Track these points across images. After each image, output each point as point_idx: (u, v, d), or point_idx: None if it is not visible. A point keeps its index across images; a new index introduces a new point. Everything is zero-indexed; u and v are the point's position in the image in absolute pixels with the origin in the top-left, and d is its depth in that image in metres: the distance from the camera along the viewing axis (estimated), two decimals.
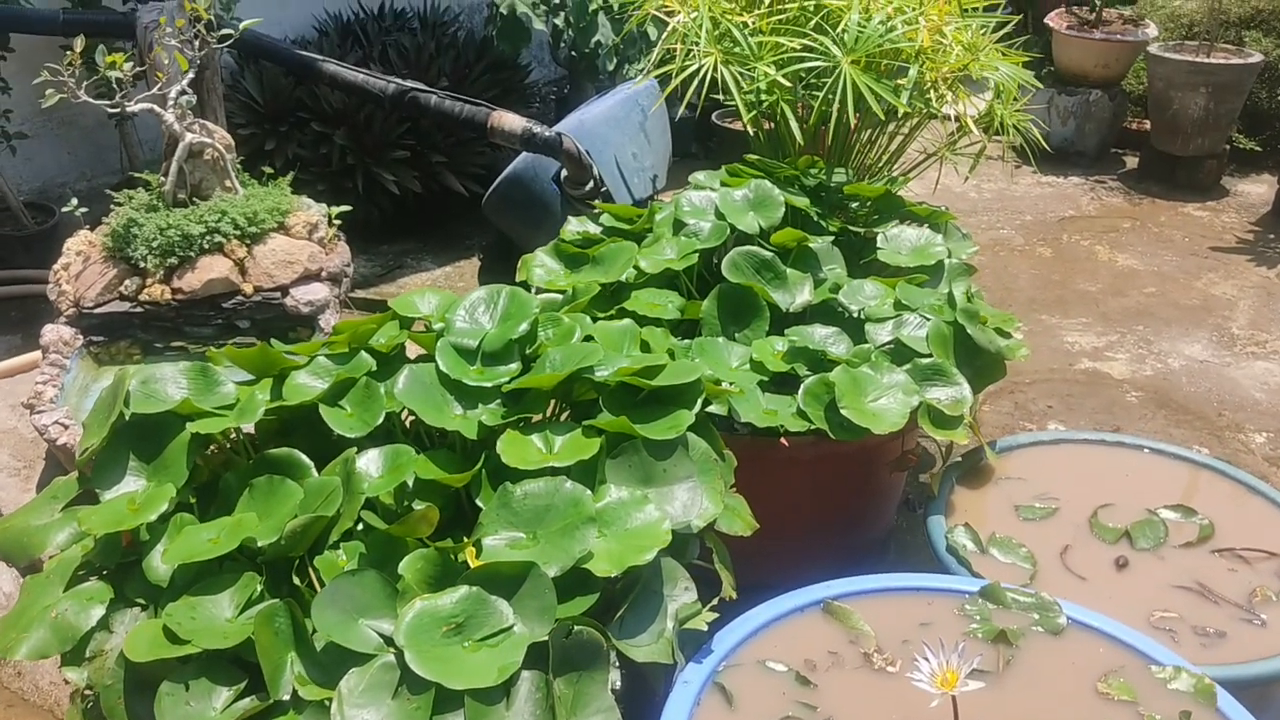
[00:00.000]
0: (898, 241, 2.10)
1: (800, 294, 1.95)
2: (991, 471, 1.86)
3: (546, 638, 1.22)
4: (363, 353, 1.64)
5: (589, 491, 1.37)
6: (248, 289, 2.29)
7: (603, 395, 1.55)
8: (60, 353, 2.15)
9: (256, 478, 1.45)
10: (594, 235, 2.17)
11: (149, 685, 1.22)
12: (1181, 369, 2.70)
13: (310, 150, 3.27)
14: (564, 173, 2.90)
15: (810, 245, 2.04)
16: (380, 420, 1.51)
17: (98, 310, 2.24)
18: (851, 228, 2.18)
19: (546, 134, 2.82)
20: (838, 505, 1.90)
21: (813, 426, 1.70)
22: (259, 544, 1.35)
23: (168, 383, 1.55)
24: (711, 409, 1.66)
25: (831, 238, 2.09)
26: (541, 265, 2.09)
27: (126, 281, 2.26)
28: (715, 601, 1.38)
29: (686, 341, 1.84)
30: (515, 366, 1.59)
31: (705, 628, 1.35)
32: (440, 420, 1.51)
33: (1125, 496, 1.78)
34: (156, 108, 2.30)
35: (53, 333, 2.19)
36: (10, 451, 2.18)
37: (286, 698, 1.19)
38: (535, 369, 1.57)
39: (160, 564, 1.34)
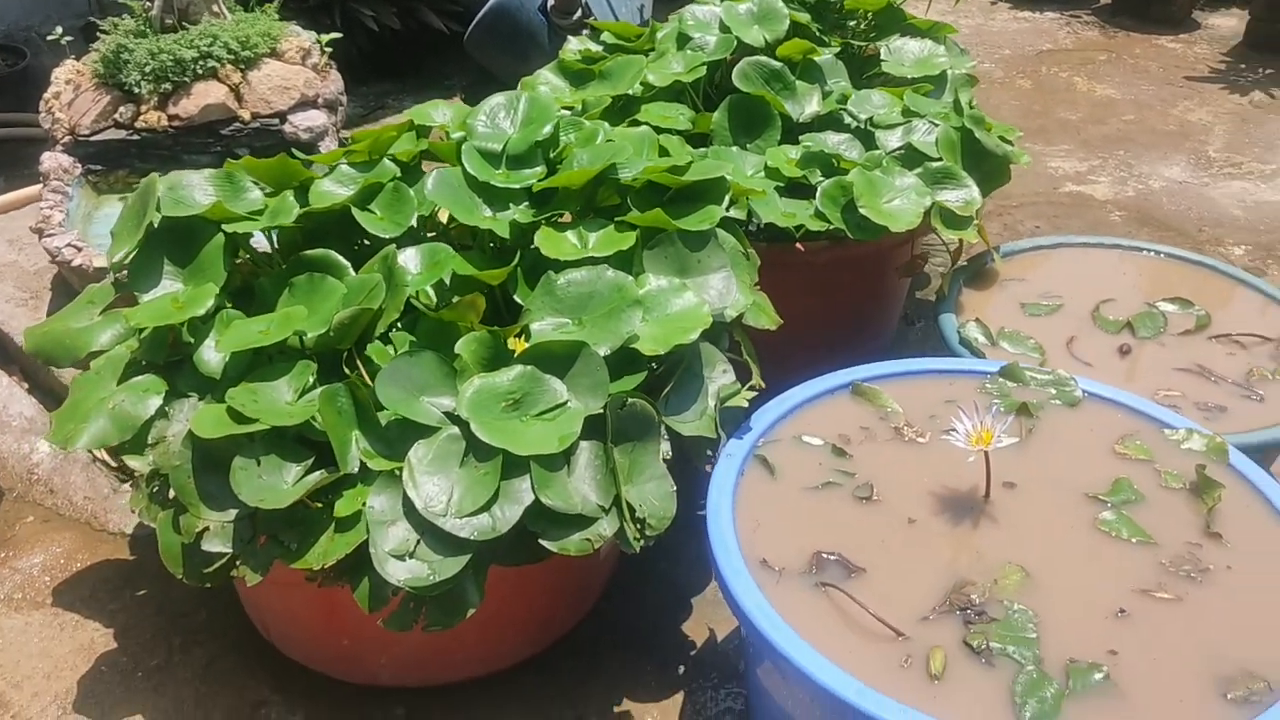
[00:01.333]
0: (901, 53, 2.11)
1: (809, 104, 1.97)
2: (996, 274, 1.92)
3: (602, 410, 1.27)
4: (386, 160, 1.64)
5: (631, 278, 1.40)
6: (245, 115, 2.26)
7: (630, 196, 1.57)
8: (61, 180, 2.11)
9: (295, 277, 1.46)
10: (596, 53, 2.16)
11: (217, 464, 1.25)
12: (1162, 189, 2.77)
13: None
14: (550, 1, 2.85)
15: (815, 58, 2.04)
16: (411, 222, 1.53)
17: (94, 138, 2.20)
18: (854, 41, 2.18)
19: None
20: (849, 310, 1.96)
21: (831, 226, 1.74)
22: (307, 335, 1.37)
23: (195, 189, 1.54)
24: (731, 213, 1.69)
25: (835, 51, 2.10)
26: (546, 83, 2.08)
27: (121, 108, 2.22)
28: (751, 382, 1.44)
29: (701, 150, 1.86)
30: (541, 169, 1.61)
31: (745, 405, 1.41)
32: (473, 219, 1.53)
33: (1125, 293, 1.85)
34: None
35: (51, 160, 2.16)
36: (14, 284, 2.17)
37: (355, 470, 1.23)
38: (563, 169, 1.58)
39: (212, 355, 1.36)
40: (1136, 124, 3.15)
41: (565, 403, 1.29)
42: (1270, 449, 1.55)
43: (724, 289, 1.47)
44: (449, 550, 1.18)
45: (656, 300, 1.41)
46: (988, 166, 1.91)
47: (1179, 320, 1.78)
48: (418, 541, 1.18)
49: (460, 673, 1.46)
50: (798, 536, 1.27)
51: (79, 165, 2.19)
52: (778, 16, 2.09)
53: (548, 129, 1.63)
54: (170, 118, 2.21)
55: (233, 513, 1.24)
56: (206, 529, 1.24)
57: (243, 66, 2.26)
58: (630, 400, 1.29)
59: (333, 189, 1.60)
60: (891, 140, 1.90)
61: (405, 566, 1.17)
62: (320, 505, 1.24)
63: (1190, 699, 1.07)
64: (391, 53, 3.39)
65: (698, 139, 1.96)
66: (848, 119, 1.96)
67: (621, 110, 1.98)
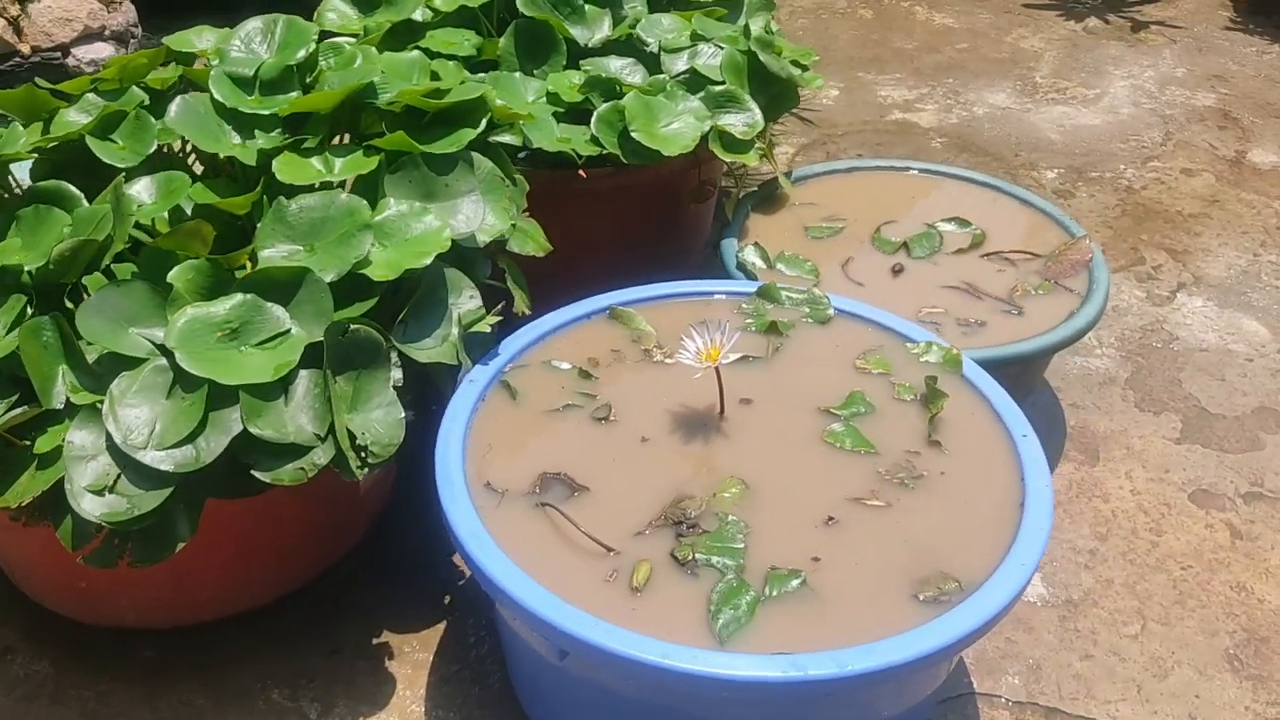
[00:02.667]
0: None
1: (599, 29, 1.94)
2: (786, 199, 1.92)
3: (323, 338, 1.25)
4: (134, 87, 1.58)
5: (365, 202, 1.37)
6: (25, 49, 2.16)
7: (387, 122, 1.54)
8: None
9: (22, 210, 1.40)
10: None
11: None
12: (985, 116, 2.80)
13: None
14: None
15: None
16: (151, 150, 1.47)
17: None
18: None
19: None
20: (640, 238, 1.95)
21: (604, 151, 1.72)
22: (26, 269, 1.32)
23: None
24: (506, 139, 1.67)
25: None
26: (334, 10, 2.02)
27: None
28: (500, 307, 1.42)
29: (481, 75, 1.82)
30: (295, 95, 1.56)
31: (489, 330, 1.39)
32: (217, 147, 1.48)
33: (910, 215, 1.87)
34: None
35: None
36: None
37: (60, 405, 1.19)
38: (314, 93, 1.54)
39: None
40: (970, 52, 3.18)
41: (288, 330, 1.25)
42: (1027, 360, 1.59)
43: (472, 213, 1.44)
44: (149, 484, 1.15)
45: (394, 225, 1.37)
46: (775, 90, 1.91)
47: (955, 240, 1.80)
48: (118, 476, 1.15)
49: (211, 612, 1.44)
50: (528, 460, 1.26)
51: None
52: None
53: (302, 53, 1.58)
54: None
55: None
56: None
57: None
58: (354, 327, 1.27)
59: (75, 118, 1.53)
60: (677, 64, 1.89)
61: (103, 501, 1.14)
62: (26, 443, 1.20)
63: (884, 601, 1.09)
64: None
65: (487, 65, 1.92)
66: (639, 44, 1.94)
67: (406, 35, 1.93)
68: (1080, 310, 1.63)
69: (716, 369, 1.29)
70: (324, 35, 1.84)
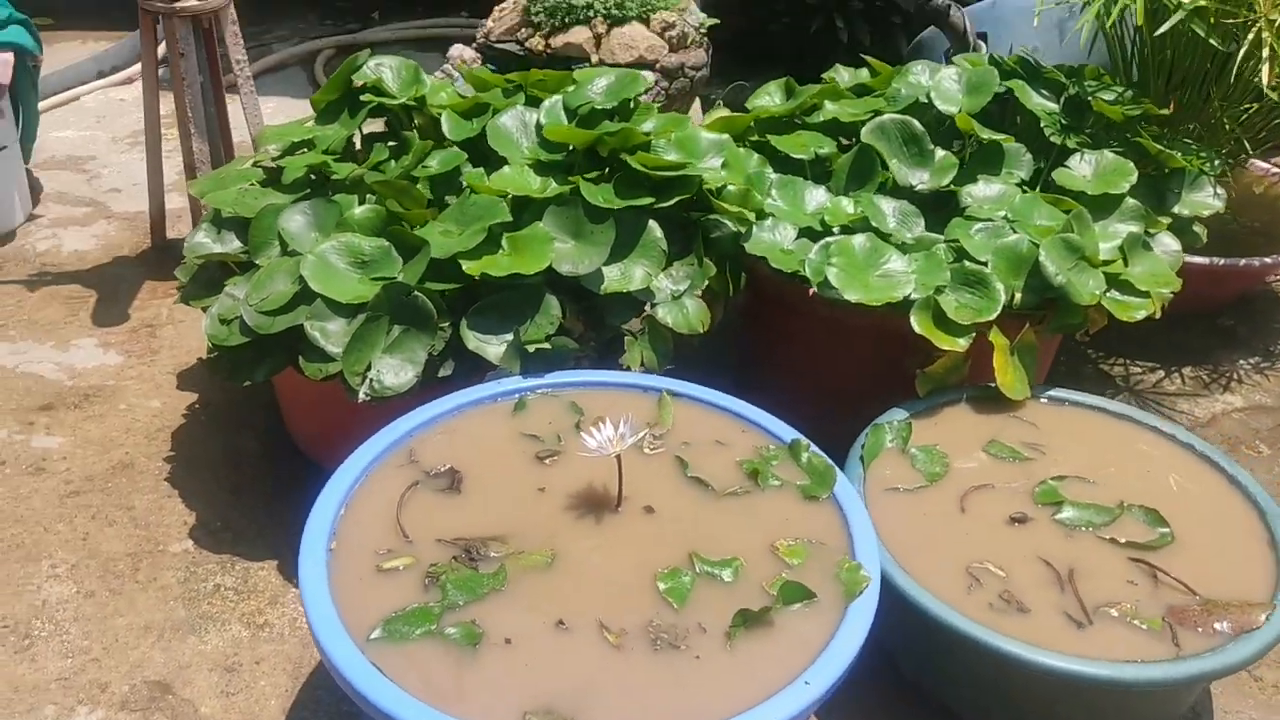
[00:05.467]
0: (1085, 164, 1.93)
1: (924, 175, 1.93)
2: (1010, 404, 1.74)
3: None
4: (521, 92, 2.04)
5: (506, 208, 1.67)
6: (594, 59, 2.75)
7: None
8: (450, 63, 2.82)
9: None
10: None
11: None
12: None
13: None
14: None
15: (994, 139, 1.96)
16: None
17: (496, 45, 2.87)
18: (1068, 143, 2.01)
19: (940, 1, 2.83)
20: (838, 375, 1.93)
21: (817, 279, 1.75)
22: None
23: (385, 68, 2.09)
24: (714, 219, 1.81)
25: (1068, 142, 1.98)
26: (767, 94, 2.24)
27: (522, 30, 2.84)
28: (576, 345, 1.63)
29: (776, 175, 1.94)
30: (570, 127, 1.88)
31: (547, 349, 1.61)
32: (507, 151, 1.88)
33: (1118, 480, 1.59)
34: None
35: (458, 50, 2.87)
36: None
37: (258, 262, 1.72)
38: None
39: None
40: None
41: (394, 277, 1.63)
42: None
43: (595, 259, 1.65)
44: (242, 329, 1.62)
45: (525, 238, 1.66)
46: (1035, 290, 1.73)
47: (1128, 528, 1.51)
48: (237, 316, 1.64)
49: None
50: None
51: (479, 60, 2.87)
52: (986, 89, 2.03)
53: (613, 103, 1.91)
54: (547, 46, 2.78)
55: None
56: None
57: (610, 22, 2.75)
58: (415, 293, 1.59)
59: (459, 92, 2.04)
60: (973, 231, 1.81)
61: (219, 326, 1.64)
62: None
63: None
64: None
65: (826, 175, 2.01)
66: (959, 200, 1.88)
67: (784, 126, 2.10)
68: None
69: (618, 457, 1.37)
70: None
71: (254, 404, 2.09)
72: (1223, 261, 2.24)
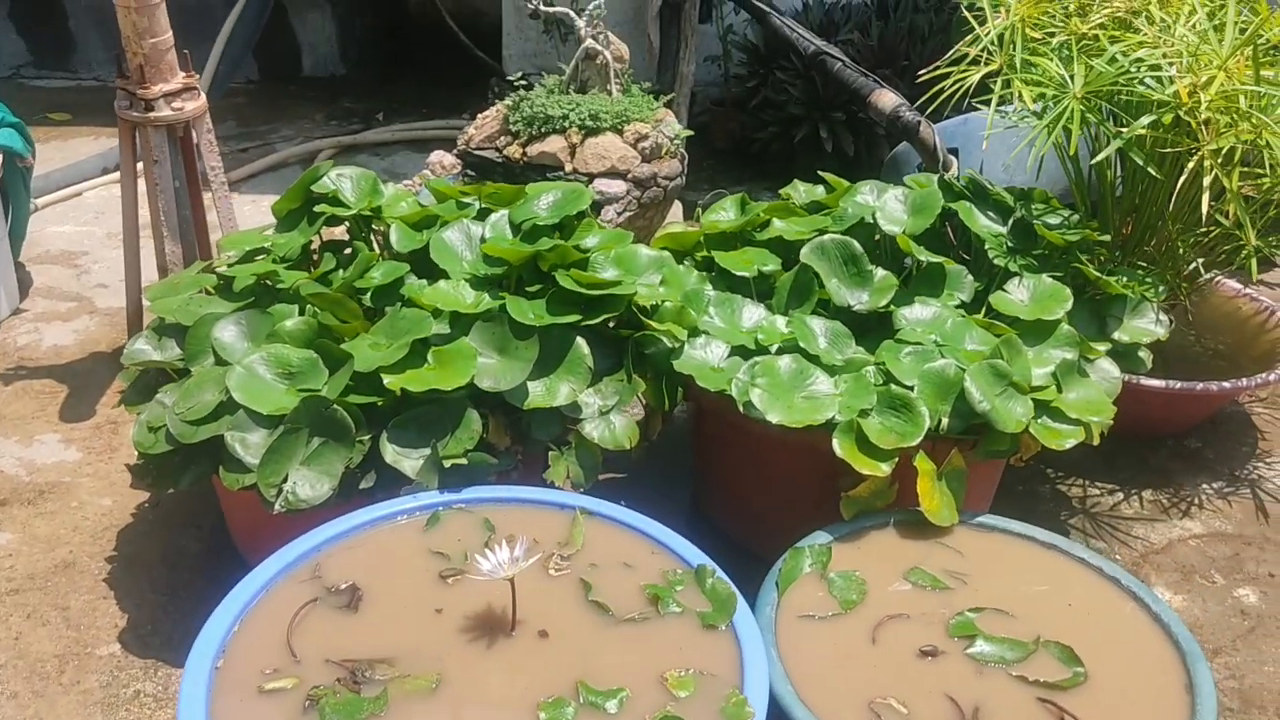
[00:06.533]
0: (1022, 289, 1.93)
1: (863, 297, 1.94)
2: (938, 531, 1.72)
3: None
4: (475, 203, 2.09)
5: (433, 321, 1.70)
6: (569, 168, 2.81)
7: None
8: (430, 169, 2.89)
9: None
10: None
11: None
12: None
13: (777, 93, 3.64)
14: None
15: (937, 262, 1.97)
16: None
17: (475, 151, 2.94)
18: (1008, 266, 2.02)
19: (910, 117, 2.87)
20: (771, 491, 1.93)
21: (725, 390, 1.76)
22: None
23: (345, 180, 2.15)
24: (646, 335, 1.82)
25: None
26: (725, 209, 2.27)
27: (501, 138, 2.91)
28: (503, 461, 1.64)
29: (714, 292, 1.95)
30: (513, 244, 1.92)
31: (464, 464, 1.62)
32: (447, 264, 1.91)
33: (1041, 616, 1.56)
34: (571, 12, 2.88)
35: (438, 156, 2.94)
36: None
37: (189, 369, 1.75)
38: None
39: None
40: None
41: (318, 390, 1.65)
42: None
43: (499, 374, 1.67)
44: (166, 437, 1.64)
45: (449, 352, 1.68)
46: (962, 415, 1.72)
47: (1041, 665, 1.48)
48: (164, 425, 1.67)
49: None
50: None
51: (458, 165, 2.94)
52: (930, 211, 2.05)
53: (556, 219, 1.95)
54: (524, 155, 2.85)
55: None
56: None
57: (584, 132, 2.81)
58: (334, 406, 1.61)
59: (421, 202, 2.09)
60: (902, 355, 1.81)
61: (146, 433, 1.67)
62: None
63: None
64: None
65: (768, 293, 2.02)
66: (901, 322, 1.89)
67: (732, 241, 2.13)
68: None
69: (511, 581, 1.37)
70: None
71: (203, 503, 2.10)
72: (1179, 385, 2.21)
